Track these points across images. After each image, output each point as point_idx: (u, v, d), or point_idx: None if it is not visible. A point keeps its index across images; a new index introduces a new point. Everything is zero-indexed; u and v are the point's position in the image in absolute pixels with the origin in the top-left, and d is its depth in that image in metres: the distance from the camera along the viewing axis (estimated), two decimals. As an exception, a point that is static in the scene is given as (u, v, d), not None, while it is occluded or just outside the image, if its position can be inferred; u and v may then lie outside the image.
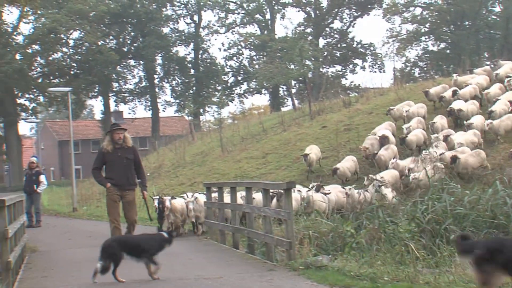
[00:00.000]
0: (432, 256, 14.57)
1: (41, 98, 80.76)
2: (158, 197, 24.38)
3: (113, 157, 16.31)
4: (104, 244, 13.18)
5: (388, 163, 30.03)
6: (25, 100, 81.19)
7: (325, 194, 24.82)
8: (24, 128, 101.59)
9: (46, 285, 14.07)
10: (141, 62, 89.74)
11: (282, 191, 16.48)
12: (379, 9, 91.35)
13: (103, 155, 16.56)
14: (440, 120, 33.60)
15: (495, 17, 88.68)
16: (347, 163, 31.71)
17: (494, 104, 33.64)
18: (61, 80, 79.10)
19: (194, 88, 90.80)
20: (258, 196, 19.91)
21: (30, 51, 79.94)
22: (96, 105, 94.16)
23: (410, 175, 26.90)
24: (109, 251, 12.86)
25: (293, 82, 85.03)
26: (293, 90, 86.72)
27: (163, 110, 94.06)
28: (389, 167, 29.25)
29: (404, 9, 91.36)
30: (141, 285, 13.39)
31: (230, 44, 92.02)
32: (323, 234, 17.34)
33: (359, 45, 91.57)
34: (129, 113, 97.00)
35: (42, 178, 30.00)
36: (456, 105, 34.20)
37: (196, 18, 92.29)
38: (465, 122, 32.61)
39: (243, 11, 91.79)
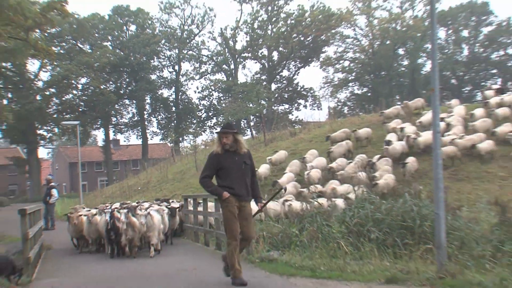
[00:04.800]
0: (357, 251, 14.64)
1: (56, 130, 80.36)
2: (109, 209, 18.66)
3: (229, 162, 10.85)
4: None
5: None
6: (43, 131, 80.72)
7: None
8: (43, 152, 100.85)
9: (58, 275, 14.01)
10: (134, 101, 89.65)
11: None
12: (317, 62, 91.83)
13: (217, 160, 10.91)
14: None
15: (403, 69, 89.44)
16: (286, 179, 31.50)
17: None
18: (72, 115, 78.80)
19: (175, 121, 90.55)
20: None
21: (47, 93, 79.71)
22: (98, 135, 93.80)
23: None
24: None
25: (251, 117, 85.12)
26: (251, 123, 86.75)
27: (151, 139, 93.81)
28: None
29: (336, 62, 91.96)
30: (131, 280, 13.31)
31: (203, 88, 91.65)
32: (274, 235, 17.34)
33: (302, 89, 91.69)
34: (124, 141, 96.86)
35: (54, 192, 29.86)
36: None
37: (177, 67, 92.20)
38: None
39: (213, 62, 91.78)
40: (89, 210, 19.85)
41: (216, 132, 11.21)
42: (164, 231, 18.54)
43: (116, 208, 19.53)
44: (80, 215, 18.57)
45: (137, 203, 22.89)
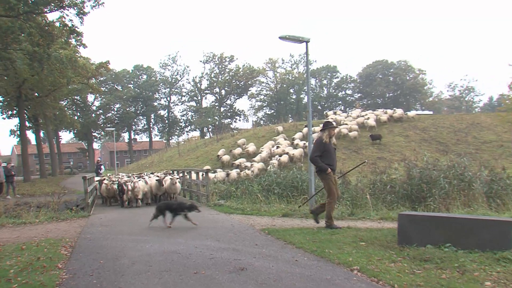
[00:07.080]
0: (267, 199, 14.69)
1: (102, 133, 79.40)
2: (117, 181, 17.24)
3: (330, 147, 9.39)
4: (158, 204, 10.84)
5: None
6: (96, 133, 79.23)
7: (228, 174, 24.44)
8: (95, 145, 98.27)
9: (103, 212, 13.72)
10: (145, 117, 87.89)
11: (204, 173, 16.32)
12: (246, 95, 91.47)
13: (324, 145, 9.38)
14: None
15: (293, 100, 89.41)
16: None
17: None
18: (110, 125, 77.26)
19: (167, 128, 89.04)
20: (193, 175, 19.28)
21: (98, 113, 78.36)
22: (125, 136, 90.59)
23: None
24: (159, 209, 10.40)
25: (210, 126, 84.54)
26: (210, 129, 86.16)
27: (154, 138, 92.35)
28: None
29: (256, 95, 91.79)
30: (143, 215, 12.96)
31: (183, 110, 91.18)
32: (222, 191, 17.29)
33: (238, 111, 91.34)
34: (139, 139, 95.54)
35: (102, 167, 29.13)
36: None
37: (168, 98, 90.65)
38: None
39: (188, 96, 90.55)
40: (119, 178, 18.95)
41: (329, 127, 9.44)
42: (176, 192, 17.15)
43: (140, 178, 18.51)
44: (112, 183, 17.01)
45: (171, 172, 21.79)
